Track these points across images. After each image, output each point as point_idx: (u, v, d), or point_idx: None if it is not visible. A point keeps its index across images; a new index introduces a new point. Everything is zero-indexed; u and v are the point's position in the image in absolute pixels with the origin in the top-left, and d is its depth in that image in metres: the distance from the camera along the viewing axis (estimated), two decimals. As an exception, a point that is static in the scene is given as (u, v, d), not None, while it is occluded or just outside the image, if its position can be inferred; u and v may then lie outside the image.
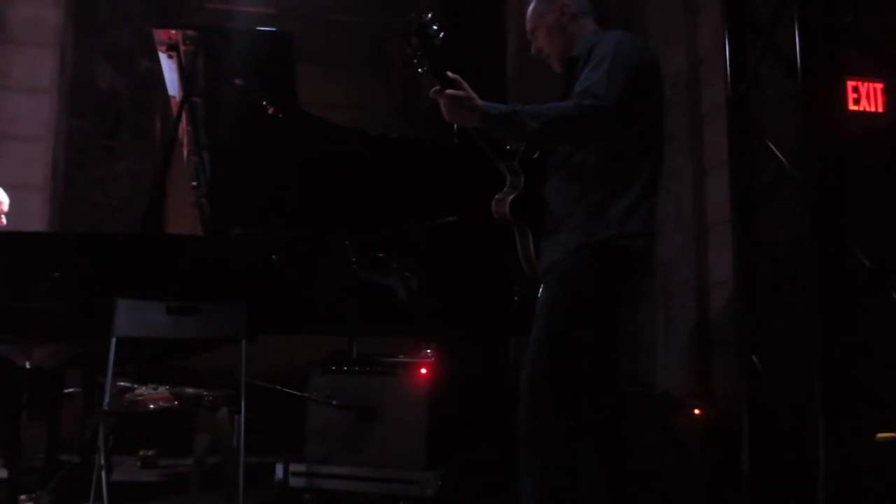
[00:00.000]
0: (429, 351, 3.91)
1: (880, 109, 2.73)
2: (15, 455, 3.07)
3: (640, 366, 5.20)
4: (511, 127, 2.23)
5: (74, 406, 3.73)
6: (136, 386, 3.16)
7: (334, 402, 3.63)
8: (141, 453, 4.48)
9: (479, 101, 2.22)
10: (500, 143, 2.42)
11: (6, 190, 4.07)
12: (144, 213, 3.52)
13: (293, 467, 3.64)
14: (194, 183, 4.15)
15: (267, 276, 3.47)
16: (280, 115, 3.79)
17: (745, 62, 2.99)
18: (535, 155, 2.42)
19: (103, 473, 2.95)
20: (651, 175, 2.34)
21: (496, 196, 2.42)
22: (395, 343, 4.18)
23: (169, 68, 3.73)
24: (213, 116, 3.84)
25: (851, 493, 2.43)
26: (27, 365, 3.02)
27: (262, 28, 4.28)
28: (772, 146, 2.85)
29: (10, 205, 4.06)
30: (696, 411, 3.75)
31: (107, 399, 2.99)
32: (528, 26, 2.52)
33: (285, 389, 3.84)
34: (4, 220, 3.97)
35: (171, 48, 3.58)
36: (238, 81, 3.75)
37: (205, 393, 3.21)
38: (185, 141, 4.04)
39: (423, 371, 3.69)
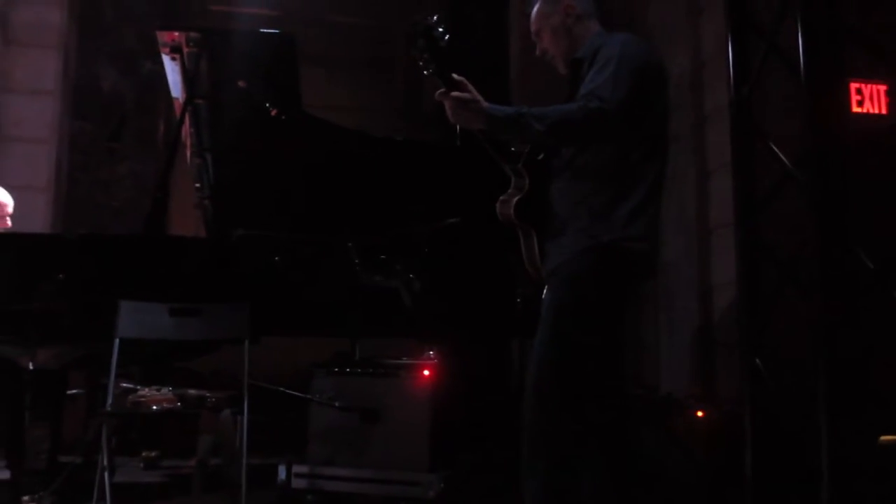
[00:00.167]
0: (431, 353, 3.91)
1: (884, 111, 2.73)
2: (18, 456, 3.07)
3: (644, 368, 5.19)
4: (516, 129, 2.23)
5: (77, 407, 3.73)
6: (139, 387, 3.17)
7: (337, 404, 3.63)
8: (144, 454, 4.48)
9: (485, 104, 2.22)
10: (505, 145, 2.42)
11: (10, 191, 4.08)
12: (147, 214, 3.53)
13: (296, 469, 3.63)
14: (197, 185, 4.15)
15: (270, 278, 3.47)
16: (283, 117, 3.79)
17: (749, 64, 2.99)
18: (540, 157, 2.42)
19: (106, 474, 2.95)
20: (656, 177, 2.34)
21: (501, 198, 2.42)
22: (398, 345, 4.18)
23: (172, 70, 3.74)
24: (216, 118, 3.84)
25: (854, 496, 2.43)
26: (31, 366, 3.03)
27: (266, 30, 4.29)
28: (775, 148, 2.84)
29: (14, 206, 4.07)
30: (699, 413, 3.75)
31: (110, 400, 2.99)
32: (533, 28, 2.52)
33: (288, 391, 3.84)
34: (9, 223, 3.98)
35: (175, 50, 3.59)
36: (241, 83, 3.76)
37: (207, 394, 3.21)
38: (189, 143, 4.05)
39: (426, 373, 3.69)
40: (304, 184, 3.92)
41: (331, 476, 3.61)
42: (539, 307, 2.36)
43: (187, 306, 3.15)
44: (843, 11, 2.72)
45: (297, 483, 3.62)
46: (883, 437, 2.52)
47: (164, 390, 3.13)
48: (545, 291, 2.38)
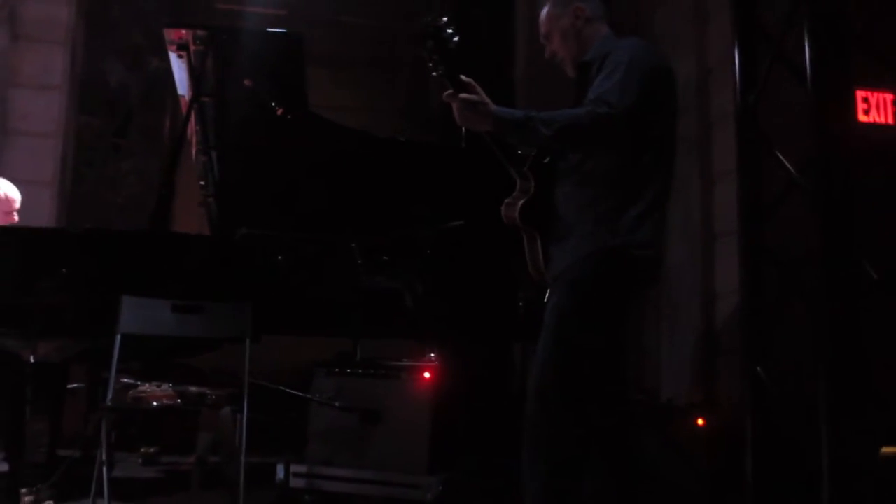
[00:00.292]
0: (433, 355, 3.91)
1: (890, 121, 2.73)
2: (17, 448, 3.07)
3: (645, 374, 5.18)
4: (523, 133, 2.23)
5: (77, 401, 3.73)
6: (139, 383, 3.17)
7: (337, 404, 3.62)
8: (143, 450, 4.48)
9: (493, 106, 2.22)
10: (511, 148, 2.42)
11: (15, 185, 4.08)
12: (152, 211, 3.53)
13: (294, 468, 3.63)
14: (202, 182, 4.16)
15: (272, 277, 3.47)
16: (288, 117, 3.79)
17: (755, 71, 2.99)
18: (546, 160, 2.42)
19: (104, 469, 2.94)
20: (662, 184, 2.34)
21: (506, 200, 2.42)
22: (400, 346, 4.18)
23: (179, 68, 3.74)
24: (221, 116, 3.85)
25: (855, 502, 2.42)
26: (32, 359, 3.02)
27: (273, 29, 4.29)
28: (780, 156, 2.85)
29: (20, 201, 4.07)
30: (700, 421, 3.74)
31: (110, 395, 2.99)
32: (543, 30, 2.51)
33: (288, 390, 3.83)
34: (17, 217, 3.98)
35: (182, 48, 3.59)
36: (247, 82, 3.76)
37: (208, 392, 3.21)
38: (194, 140, 4.05)
39: (427, 375, 3.68)
40: (308, 183, 3.93)
41: (329, 476, 3.60)
42: (541, 311, 2.36)
43: (190, 303, 3.15)
44: (851, 20, 2.72)
45: (296, 482, 3.61)
46: (885, 449, 2.52)
47: (165, 387, 3.13)
48: (548, 295, 2.38)
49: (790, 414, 2.76)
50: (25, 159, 5.42)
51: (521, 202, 2.38)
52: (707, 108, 4.78)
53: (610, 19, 2.51)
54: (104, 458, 2.95)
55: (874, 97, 2.74)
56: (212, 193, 4.07)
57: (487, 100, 2.22)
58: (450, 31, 2.19)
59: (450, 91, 2.22)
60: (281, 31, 4.08)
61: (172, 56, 3.69)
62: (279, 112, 3.81)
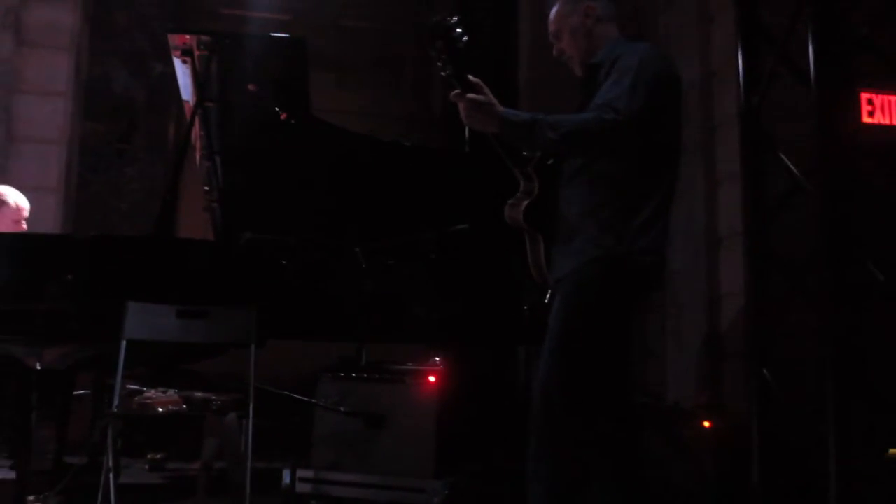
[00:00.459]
0: (438, 359, 3.91)
1: (895, 122, 2.72)
2: (24, 456, 3.07)
3: (651, 377, 5.17)
4: (530, 135, 2.23)
5: (83, 408, 3.73)
6: (145, 389, 3.16)
7: (342, 409, 3.62)
8: (149, 456, 4.49)
9: (500, 108, 2.21)
10: (517, 149, 2.41)
11: (21, 191, 4.10)
12: (156, 216, 3.53)
13: (300, 473, 3.63)
14: (206, 187, 4.16)
15: (277, 282, 3.47)
16: (292, 121, 3.80)
17: (759, 73, 2.99)
18: (550, 161, 2.41)
19: (111, 476, 2.94)
20: (667, 189, 2.34)
21: (510, 201, 2.42)
22: (404, 350, 4.18)
23: (183, 73, 3.75)
24: (225, 121, 3.85)
25: (862, 507, 2.41)
26: (38, 366, 3.03)
27: (276, 34, 4.29)
28: (784, 158, 2.84)
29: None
30: (706, 423, 3.73)
31: (116, 401, 2.99)
32: (552, 28, 2.50)
33: (294, 395, 3.84)
34: (25, 226, 4.00)
35: (186, 53, 3.59)
36: (251, 87, 3.76)
37: (213, 397, 3.21)
38: (198, 145, 4.06)
39: (432, 379, 3.68)
40: (312, 188, 3.93)
41: (335, 481, 3.60)
42: (545, 314, 2.36)
43: (195, 309, 3.15)
44: (855, 21, 2.71)
45: (301, 488, 3.61)
46: (891, 451, 2.51)
47: (170, 392, 3.13)
48: (551, 297, 2.37)
49: (796, 416, 2.75)
50: (30, 166, 5.43)
51: (524, 203, 2.38)
52: (711, 111, 4.78)
53: (618, 21, 2.51)
54: (111, 464, 2.95)
55: (879, 99, 2.73)
56: (216, 198, 4.07)
57: (495, 101, 2.21)
58: (459, 30, 2.18)
59: (457, 91, 2.21)
60: (284, 35, 4.08)
61: (176, 61, 3.69)
62: (283, 116, 3.81)
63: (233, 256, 3.54)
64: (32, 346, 3.03)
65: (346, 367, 3.85)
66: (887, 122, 2.75)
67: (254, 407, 3.07)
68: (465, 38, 2.18)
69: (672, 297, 4.96)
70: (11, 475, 3.34)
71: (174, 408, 3.07)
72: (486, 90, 2.22)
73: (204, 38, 3.55)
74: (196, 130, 3.84)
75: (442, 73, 2.22)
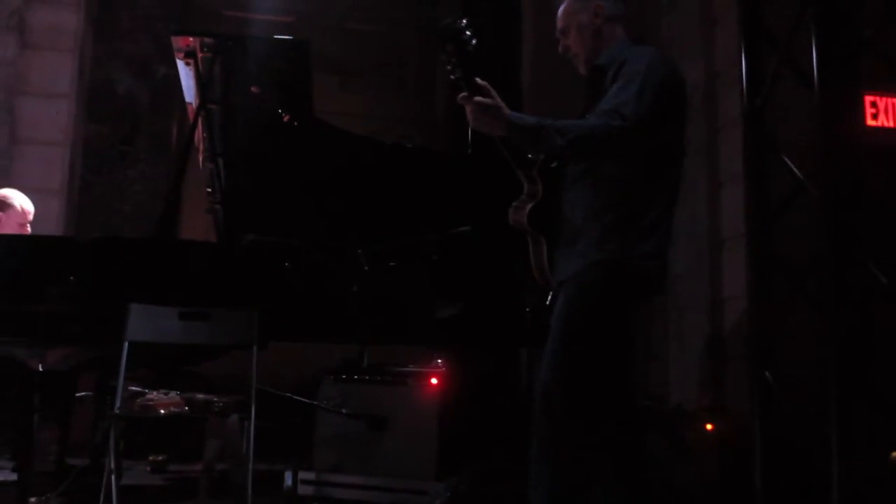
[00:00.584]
0: (440, 361, 3.90)
1: (899, 125, 2.72)
2: (26, 457, 3.08)
3: (653, 379, 5.17)
4: (536, 139, 2.23)
5: (85, 410, 3.74)
6: (147, 391, 3.16)
7: (344, 411, 3.62)
8: (151, 458, 4.49)
9: (507, 111, 2.21)
10: (521, 151, 2.41)
11: (24, 193, 4.11)
12: (159, 218, 3.54)
13: (302, 475, 3.63)
14: (209, 189, 4.16)
15: (279, 284, 3.47)
16: (295, 124, 3.80)
17: (762, 75, 2.98)
18: (554, 164, 2.41)
19: (113, 477, 2.95)
20: (670, 193, 2.34)
21: (514, 204, 2.41)
22: (406, 352, 4.18)
23: (186, 75, 3.75)
24: (229, 123, 3.85)
25: (866, 510, 2.41)
26: (40, 368, 3.03)
27: (280, 37, 4.30)
28: (787, 160, 2.83)
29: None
30: (709, 426, 3.73)
31: (118, 403, 2.99)
32: (560, 24, 2.49)
33: (295, 397, 3.84)
34: (29, 230, 4.02)
35: (189, 55, 3.60)
36: (254, 89, 3.77)
37: (215, 399, 3.20)
38: (201, 147, 4.06)
39: (434, 381, 3.68)
40: (314, 190, 3.93)
41: (337, 483, 3.61)
42: (547, 315, 2.36)
43: (197, 310, 3.15)
44: (860, 24, 2.70)
45: (303, 489, 3.61)
46: (895, 454, 2.50)
47: (172, 394, 3.13)
48: (553, 299, 2.37)
49: (799, 418, 2.74)
50: (34, 167, 5.45)
51: (529, 206, 2.37)
52: (714, 113, 4.77)
53: (629, 20, 2.50)
54: (113, 466, 2.95)
55: (882, 101, 2.73)
56: (219, 200, 4.08)
57: (502, 104, 2.21)
58: (468, 33, 2.19)
59: (465, 94, 2.21)
60: (287, 38, 4.09)
61: (180, 63, 3.70)
62: (286, 119, 3.81)
63: (235, 258, 3.55)
64: (35, 347, 3.04)
65: (348, 369, 3.85)
66: (891, 124, 2.74)
67: (256, 409, 3.07)
68: (473, 42, 2.19)
69: (675, 299, 4.96)
70: (14, 477, 3.35)
71: (176, 409, 3.06)
72: (494, 93, 2.22)
73: (207, 40, 3.55)
74: (199, 132, 3.85)
75: (451, 77, 2.21)
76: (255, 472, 3.07)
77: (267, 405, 3.21)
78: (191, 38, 3.57)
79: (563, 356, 2.26)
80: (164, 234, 3.53)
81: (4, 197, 4.01)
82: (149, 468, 4.47)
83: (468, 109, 2.22)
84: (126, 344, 3.01)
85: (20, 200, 4.00)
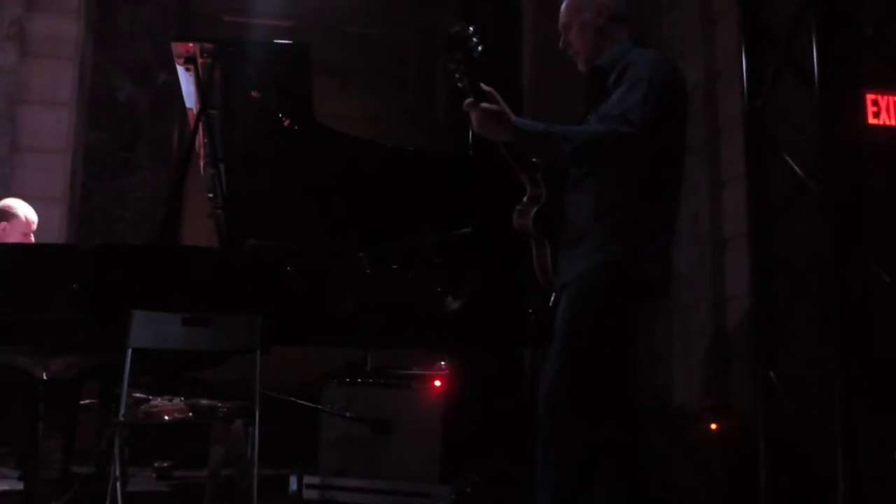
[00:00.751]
0: (443, 363, 3.90)
1: (900, 123, 2.72)
2: (31, 466, 3.08)
3: (657, 379, 5.16)
4: (543, 146, 2.23)
5: (90, 417, 3.74)
6: (151, 397, 3.17)
7: (348, 415, 3.62)
8: (156, 464, 4.49)
9: (514, 117, 2.21)
10: (525, 155, 2.41)
11: (26, 201, 4.13)
12: (161, 224, 3.54)
13: (307, 479, 3.63)
14: (210, 194, 4.17)
15: (282, 288, 3.47)
16: (296, 128, 3.80)
17: (763, 75, 2.98)
18: (557, 167, 2.41)
19: (118, 484, 2.95)
20: (673, 194, 2.34)
21: (518, 207, 2.41)
22: (410, 355, 4.18)
23: (186, 81, 3.76)
24: (229, 128, 3.86)
25: (871, 510, 2.40)
26: (44, 376, 3.04)
27: (279, 41, 4.31)
28: (789, 159, 2.83)
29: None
30: (713, 426, 3.72)
31: (122, 410, 3.00)
32: (563, 19, 2.47)
33: (299, 401, 3.84)
34: (33, 238, 4.04)
35: (189, 61, 3.60)
36: (254, 94, 3.77)
37: (219, 404, 3.20)
38: (202, 153, 4.06)
39: (438, 383, 3.68)
40: (316, 193, 3.93)
41: (342, 487, 3.61)
42: (550, 317, 2.36)
43: (199, 316, 3.16)
44: (859, 23, 2.70)
45: (309, 494, 3.62)
46: (899, 452, 2.50)
47: (176, 400, 3.13)
48: (556, 301, 2.37)
49: (803, 418, 2.74)
50: (35, 175, 5.45)
51: (534, 210, 2.37)
52: (715, 113, 4.77)
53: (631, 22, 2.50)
54: (118, 473, 2.96)
55: (884, 100, 2.73)
56: (220, 205, 4.08)
57: (508, 110, 2.21)
58: (475, 39, 2.19)
59: (470, 100, 2.20)
60: (287, 42, 4.10)
61: (180, 69, 3.70)
62: (286, 123, 3.82)
63: (237, 263, 3.55)
64: (39, 356, 3.05)
65: (351, 373, 3.85)
66: (893, 123, 2.74)
67: (260, 413, 3.07)
68: (479, 48, 2.19)
69: (678, 299, 4.95)
70: (19, 485, 3.35)
71: (180, 416, 3.07)
72: (499, 99, 2.21)
73: (207, 45, 3.56)
74: (200, 138, 3.85)
75: (458, 85, 2.21)
76: (259, 476, 3.07)
77: (271, 410, 3.21)
78: (191, 44, 3.57)
79: (567, 358, 2.25)
80: (165, 240, 3.54)
81: (8, 207, 4.03)
82: (154, 475, 4.46)
83: (473, 116, 2.21)
84: (129, 351, 3.02)
85: (24, 210, 4.02)
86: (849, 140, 2.63)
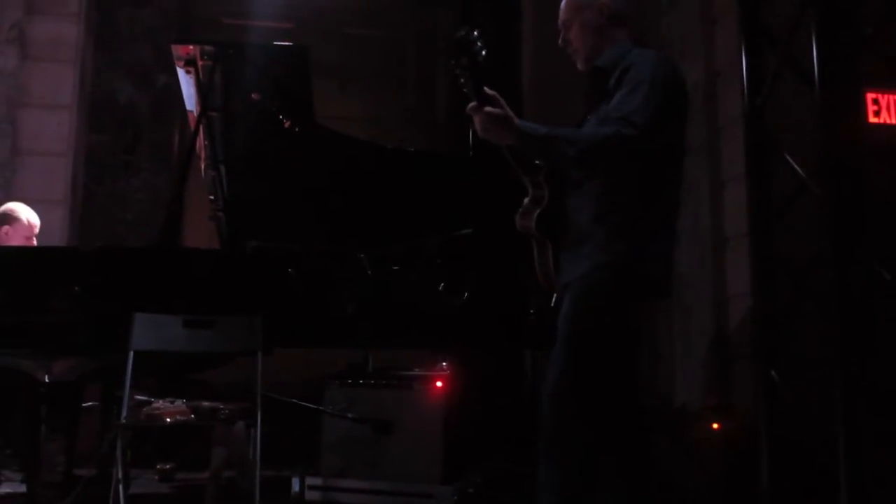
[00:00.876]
0: (444, 364, 3.90)
1: (901, 122, 2.72)
2: (34, 469, 3.08)
3: (659, 379, 5.16)
4: (546, 149, 2.23)
5: (92, 420, 3.74)
6: (153, 399, 3.17)
7: (350, 416, 3.63)
8: (158, 467, 4.49)
9: (517, 121, 2.21)
10: (528, 158, 2.41)
11: (27, 204, 4.13)
12: (162, 226, 3.54)
13: (309, 481, 3.64)
14: (211, 197, 4.17)
15: (283, 289, 3.47)
16: (296, 129, 3.80)
17: (763, 74, 2.98)
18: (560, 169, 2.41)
19: (121, 487, 2.96)
20: (674, 194, 2.34)
21: (520, 210, 2.41)
22: (411, 356, 4.18)
23: (186, 83, 3.76)
24: (230, 130, 3.86)
25: (873, 509, 2.40)
26: (46, 379, 3.04)
27: (279, 43, 4.31)
28: (789, 159, 2.84)
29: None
30: (715, 425, 3.72)
31: (124, 413, 3.00)
32: (563, 17, 2.47)
33: (301, 403, 3.84)
34: (35, 242, 4.04)
35: (189, 63, 3.60)
36: (255, 96, 3.77)
37: (221, 406, 3.21)
38: (203, 155, 4.07)
39: (439, 384, 3.68)
40: (317, 195, 3.93)
41: (344, 488, 3.61)
42: (551, 317, 2.36)
43: (201, 318, 3.16)
44: (859, 21, 2.70)
45: (311, 495, 3.62)
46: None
47: (178, 402, 3.13)
48: (558, 301, 2.37)
49: (804, 417, 2.74)
50: (36, 179, 5.45)
51: (536, 212, 2.37)
52: (715, 112, 4.77)
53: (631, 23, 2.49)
54: (120, 475, 2.96)
55: (885, 98, 2.73)
56: (221, 207, 4.08)
57: (512, 114, 2.21)
58: (480, 44, 2.19)
59: (473, 104, 2.20)
60: (287, 44, 4.09)
61: (180, 72, 3.70)
62: (287, 124, 3.81)
63: (238, 265, 3.55)
64: (41, 359, 3.04)
65: (353, 374, 3.85)
66: (893, 121, 2.74)
67: (262, 415, 3.07)
68: (484, 52, 2.19)
69: (679, 299, 4.95)
70: (22, 488, 3.35)
71: (182, 418, 3.07)
72: (503, 103, 2.21)
73: (207, 47, 3.55)
74: (200, 140, 3.85)
75: (464, 90, 2.21)
76: (262, 478, 3.07)
77: (273, 411, 3.21)
78: (191, 47, 3.57)
79: (570, 358, 2.25)
80: (167, 242, 3.53)
81: (11, 210, 4.04)
82: (156, 477, 4.47)
83: (477, 120, 2.21)
84: (131, 353, 3.02)
85: (27, 214, 4.02)
86: (849, 139, 2.63)
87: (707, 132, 4.77)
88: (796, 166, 2.80)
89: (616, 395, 2.28)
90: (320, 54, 5.66)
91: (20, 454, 3.61)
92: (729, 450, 3.53)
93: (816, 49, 2.66)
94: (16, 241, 3.94)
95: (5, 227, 3.99)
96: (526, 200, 2.41)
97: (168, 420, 3.05)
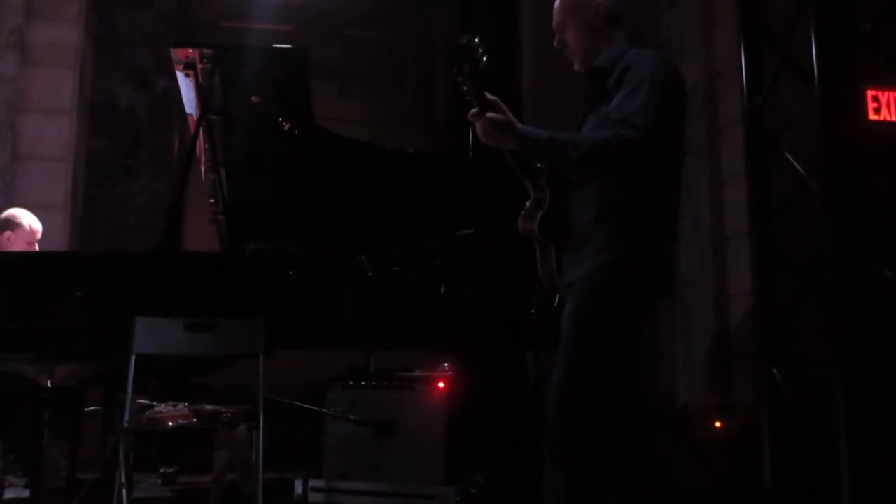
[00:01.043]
0: (446, 365, 3.90)
1: (901, 119, 2.72)
2: (37, 473, 3.09)
3: (660, 378, 5.16)
4: (548, 153, 2.23)
5: (95, 424, 3.75)
6: (155, 403, 3.17)
7: (352, 417, 3.62)
8: (161, 470, 4.49)
9: (519, 126, 2.21)
10: (530, 161, 2.41)
11: (28, 209, 4.13)
12: (163, 230, 3.54)
13: (312, 483, 3.63)
14: (212, 200, 4.17)
15: (284, 292, 3.48)
16: (296, 131, 3.81)
17: (762, 74, 2.98)
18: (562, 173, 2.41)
19: (124, 491, 2.96)
20: (674, 194, 2.34)
21: (523, 213, 2.41)
22: (413, 357, 4.18)
23: (186, 87, 3.76)
24: (229, 133, 3.86)
25: (876, 507, 2.40)
26: (49, 384, 3.04)
27: (278, 45, 4.31)
28: (790, 157, 2.84)
29: (33, 227, 4.13)
30: (717, 424, 3.72)
31: (127, 417, 3.00)
32: (557, 18, 2.46)
33: (303, 405, 3.84)
34: (37, 247, 4.05)
35: (189, 67, 3.61)
36: (254, 98, 3.78)
37: (223, 409, 3.21)
38: (203, 158, 4.07)
39: (441, 385, 3.68)
40: (317, 197, 3.93)
41: (347, 490, 3.61)
42: (553, 318, 2.36)
43: (202, 321, 3.16)
44: (858, 20, 2.70)
45: (314, 497, 3.61)
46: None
47: (181, 406, 3.13)
48: (560, 302, 2.37)
49: (806, 416, 2.74)
50: (37, 183, 5.46)
51: (538, 215, 2.37)
52: (715, 112, 4.77)
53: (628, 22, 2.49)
54: (123, 479, 2.96)
55: (884, 96, 2.73)
56: (221, 210, 4.08)
57: (514, 119, 2.21)
58: (481, 50, 2.19)
59: (475, 110, 2.20)
60: (286, 46, 4.09)
61: (180, 75, 3.71)
62: (286, 127, 3.82)
63: (239, 268, 3.55)
64: (43, 364, 3.05)
65: (354, 376, 3.85)
66: (893, 118, 2.74)
67: (264, 418, 3.07)
68: (485, 58, 2.19)
69: (680, 298, 4.95)
70: (26, 493, 3.36)
71: (184, 421, 3.07)
72: (505, 108, 2.21)
73: (206, 51, 3.56)
74: (200, 143, 3.86)
75: (466, 98, 2.21)
76: (265, 481, 3.07)
77: (275, 414, 3.22)
78: (190, 50, 3.58)
79: (575, 358, 2.25)
80: (167, 245, 3.54)
81: (13, 216, 4.04)
82: (159, 481, 4.47)
83: (479, 126, 2.21)
84: (133, 357, 3.02)
85: (28, 220, 4.03)
86: (849, 137, 2.63)
87: (707, 132, 4.77)
88: (796, 165, 2.81)
89: (619, 395, 2.28)
90: (319, 56, 5.66)
91: (24, 459, 3.61)
92: (731, 449, 3.54)
93: (816, 47, 2.66)
94: (18, 246, 3.95)
95: (7, 233, 3.99)
96: (528, 203, 2.41)
97: (170, 424, 3.05)
